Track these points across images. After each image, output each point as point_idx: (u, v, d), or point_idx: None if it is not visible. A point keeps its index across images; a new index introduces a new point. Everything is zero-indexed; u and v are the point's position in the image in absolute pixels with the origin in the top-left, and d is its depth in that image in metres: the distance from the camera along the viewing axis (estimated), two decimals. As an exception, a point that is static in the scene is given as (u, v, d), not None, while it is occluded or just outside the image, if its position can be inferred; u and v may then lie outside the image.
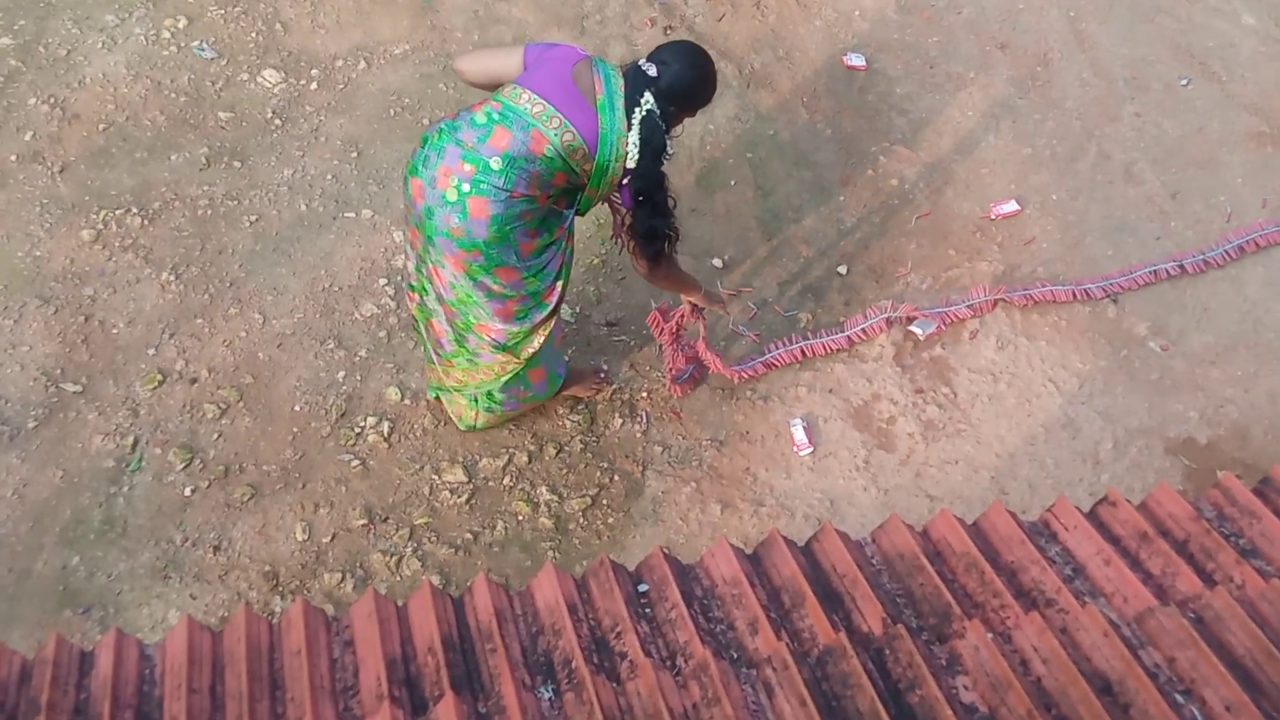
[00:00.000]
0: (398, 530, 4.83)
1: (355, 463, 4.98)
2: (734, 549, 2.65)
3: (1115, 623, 2.36)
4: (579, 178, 4.20)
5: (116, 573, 4.67)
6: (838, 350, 5.47)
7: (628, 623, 2.48)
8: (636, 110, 4.13)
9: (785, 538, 2.69)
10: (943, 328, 5.56)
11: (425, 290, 4.57)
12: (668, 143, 4.26)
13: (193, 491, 4.88)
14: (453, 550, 4.80)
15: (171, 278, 5.43)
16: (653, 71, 4.18)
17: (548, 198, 4.21)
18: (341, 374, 5.21)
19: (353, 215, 5.73)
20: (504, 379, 4.70)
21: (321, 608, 2.61)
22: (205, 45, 6.33)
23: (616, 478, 5.05)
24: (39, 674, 2.42)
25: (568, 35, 6.58)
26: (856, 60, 6.66)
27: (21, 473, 4.87)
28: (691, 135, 6.23)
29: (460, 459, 5.03)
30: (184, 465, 4.92)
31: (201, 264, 5.50)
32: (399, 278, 5.56)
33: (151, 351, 5.21)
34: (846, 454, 5.18)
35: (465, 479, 4.97)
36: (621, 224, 4.49)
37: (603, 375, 5.30)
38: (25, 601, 4.58)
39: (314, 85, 6.24)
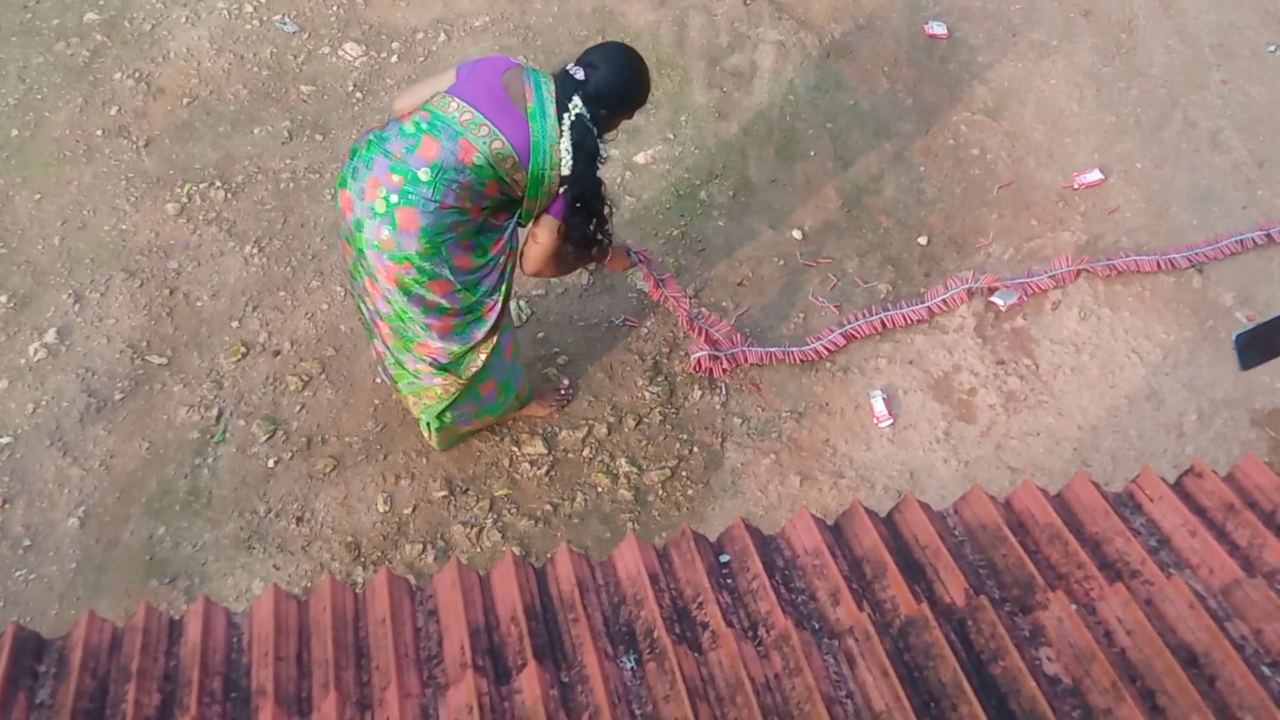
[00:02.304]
0: (478, 502, 4.85)
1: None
2: (815, 519, 2.64)
3: (1201, 594, 2.34)
4: (512, 188, 4.12)
5: (201, 543, 4.73)
6: (918, 321, 5.44)
7: (709, 593, 2.48)
8: (566, 115, 4.05)
9: (866, 508, 2.68)
10: (1024, 299, 5.51)
11: (361, 309, 4.54)
12: (600, 146, 4.18)
13: (276, 463, 4.92)
14: (532, 522, 4.82)
15: (255, 251, 5.48)
16: (580, 75, 4.11)
17: (481, 210, 4.14)
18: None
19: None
20: (451, 399, 4.63)
21: (405, 577, 2.63)
22: (287, 19, 6.37)
23: (696, 449, 5.05)
24: (129, 641, 2.45)
25: (646, 6, 6.57)
26: (938, 28, 6.60)
27: (108, 444, 4.94)
28: (771, 106, 6.21)
29: (540, 431, 5.05)
30: (267, 437, 4.97)
31: (284, 237, 5.54)
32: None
33: (235, 324, 5.26)
34: (927, 426, 5.15)
35: (545, 451, 4.99)
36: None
37: (563, 392, 5.21)
38: (113, 571, 4.64)
39: (394, 58, 6.26)
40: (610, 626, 2.48)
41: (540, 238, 4.29)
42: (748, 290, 5.53)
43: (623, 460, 4.99)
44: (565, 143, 4.05)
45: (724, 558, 2.63)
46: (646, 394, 5.17)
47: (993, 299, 5.49)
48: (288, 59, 6.23)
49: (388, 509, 4.83)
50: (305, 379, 5.15)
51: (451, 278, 4.19)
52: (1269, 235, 5.80)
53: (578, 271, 4.70)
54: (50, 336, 5.19)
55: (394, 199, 4.03)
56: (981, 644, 2.31)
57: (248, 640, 2.50)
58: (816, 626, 2.43)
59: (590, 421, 5.08)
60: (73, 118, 5.94)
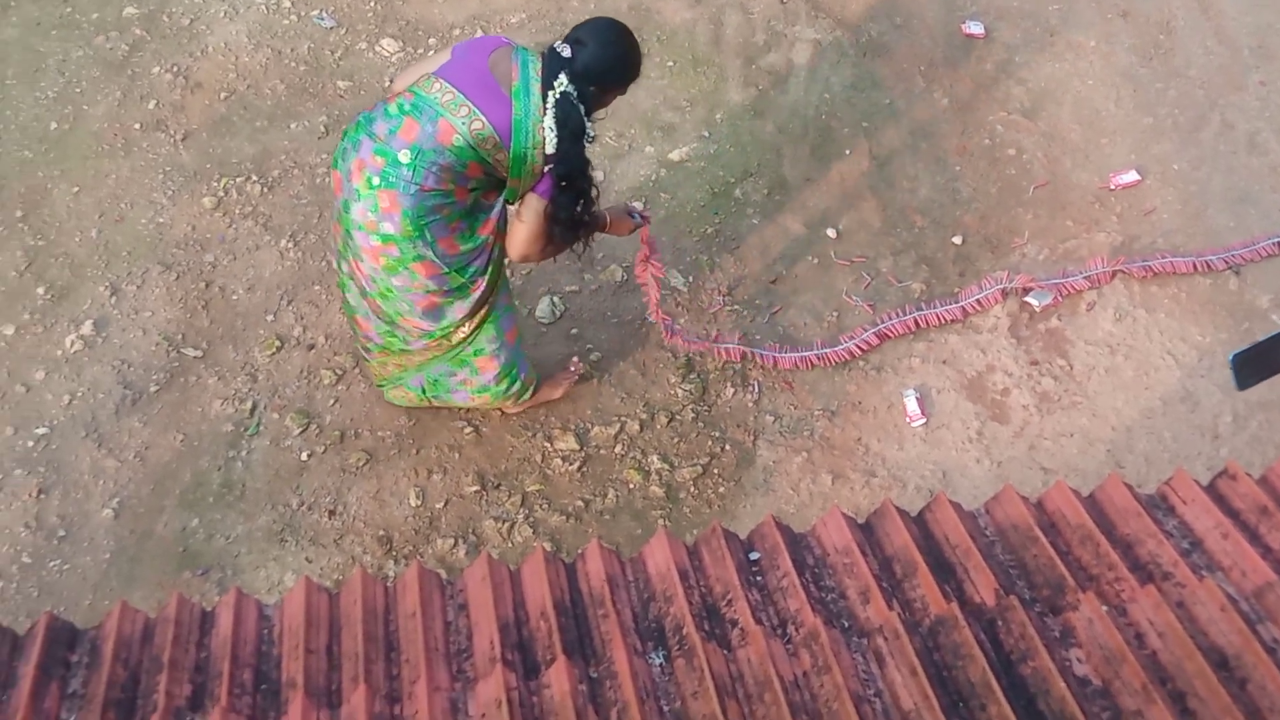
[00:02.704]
0: (509, 497, 4.86)
1: (468, 429, 5.02)
2: (846, 518, 2.64)
3: (1233, 597, 2.33)
4: (496, 169, 4.10)
5: (234, 535, 4.75)
6: (951, 321, 5.42)
7: (739, 590, 2.49)
8: (551, 93, 4.01)
9: (898, 507, 2.68)
10: (1059, 299, 5.50)
11: (348, 287, 4.54)
12: (588, 125, 4.14)
13: (309, 456, 4.94)
14: (564, 518, 4.83)
15: (290, 245, 5.51)
16: (567, 53, 4.07)
17: (468, 191, 4.14)
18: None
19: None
20: (449, 357, 4.64)
21: (436, 571, 2.64)
22: (325, 14, 6.40)
23: (728, 447, 5.05)
24: (161, 632, 2.47)
25: (683, 4, 6.57)
26: (975, 28, 6.59)
27: (143, 436, 4.97)
28: (806, 104, 6.20)
29: (572, 427, 5.05)
30: (301, 430, 4.99)
31: (319, 231, 5.56)
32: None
33: (270, 318, 5.29)
34: (960, 425, 5.14)
35: (577, 447, 4.99)
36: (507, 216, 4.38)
37: (573, 369, 5.18)
38: (146, 562, 4.67)
39: (431, 54, 6.28)
40: (639, 622, 2.49)
41: (525, 217, 4.25)
42: (781, 288, 5.53)
43: (655, 457, 4.99)
44: (549, 120, 4.02)
45: (754, 555, 2.63)
46: (679, 391, 5.17)
47: (1027, 299, 5.47)
48: (325, 54, 6.26)
49: (420, 503, 4.84)
50: (339, 373, 5.17)
51: (436, 260, 4.20)
52: (1306, 238, 5.78)
53: (579, 250, 4.64)
54: (87, 328, 5.22)
55: (376, 181, 4.05)
56: (1011, 644, 2.30)
57: (279, 632, 2.51)
58: (846, 625, 2.43)
59: (623, 418, 5.09)
60: (111, 111, 5.97)
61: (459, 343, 4.58)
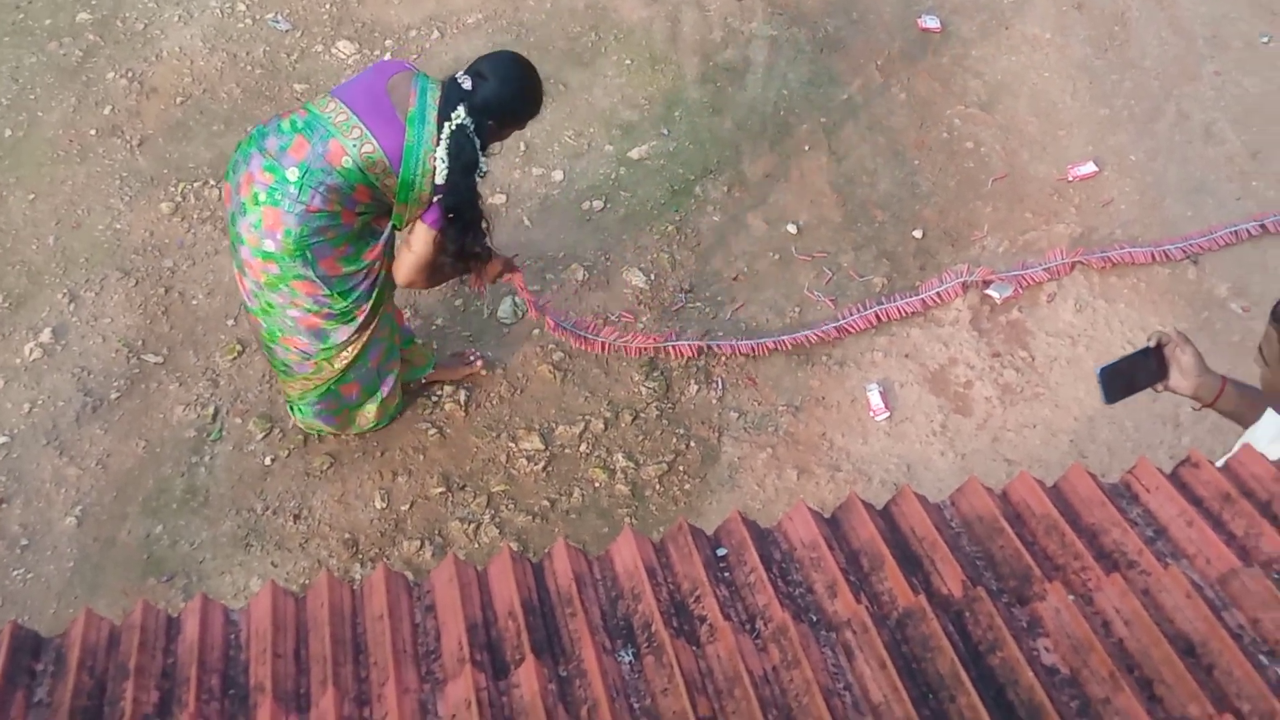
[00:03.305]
0: (475, 498, 4.86)
1: (433, 431, 5.02)
2: (812, 512, 2.64)
3: (1198, 584, 2.34)
4: (384, 194, 4.10)
5: (199, 541, 4.73)
6: (913, 314, 5.44)
7: (707, 586, 2.49)
8: (447, 125, 4.02)
9: (863, 501, 2.68)
10: (1020, 291, 5.52)
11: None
12: (481, 159, 4.16)
13: (273, 461, 4.93)
14: (530, 517, 4.83)
15: (249, 249, 5.49)
16: (468, 85, 4.08)
17: (355, 214, 4.13)
18: (417, 342, 5.23)
19: (427, 185, 5.76)
20: (319, 390, 4.62)
21: (403, 574, 2.64)
22: (280, 17, 6.38)
23: (692, 444, 5.05)
24: (127, 639, 2.46)
25: (639, 2, 6.57)
26: (931, 22, 6.61)
27: (105, 443, 4.94)
28: (765, 100, 6.21)
29: (537, 427, 5.05)
30: (264, 435, 4.97)
31: (279, 235, 5.54)
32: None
33: (230, 322, 5.27)
34: (923, 419, 5.16)
35: (542, 446, 4.99)
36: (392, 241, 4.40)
37: (473, 359, 5.17)
38: (110, 570, 4.65)
39: (388, 55, 6.27)
40: (608, 621, 2.48)
41: (415, 246, 4.26)
42: (743, 285, 5.54)
43: (619, 455, 4.99)
44: (441, 151, 4.01)
45: (721, 551, 2.64)
46: (643, 389, 5.17)
47: (988, 292, 5.50)
48: (281, 57, 6.23)
49: (385, 506, 4.83)
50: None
51: (317, 280, 4.18)
52: (1263, 226, 5.81)
53: (466, 280, 4.69)
54: (46, 336, 5.19)
55: (262, 197, 4.04)
56: (979, 635, 2.31)
57: (246, 637, 2.50)
58: (814, 619, 2.44)
59: (587, 417, 5.09)
60: (66, 117, 5.94)
61: (339, 369, 4.54)
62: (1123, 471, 2.72)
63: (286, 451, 4.95)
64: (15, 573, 4.62)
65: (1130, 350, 3.33)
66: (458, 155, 4.05)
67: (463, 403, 5.09)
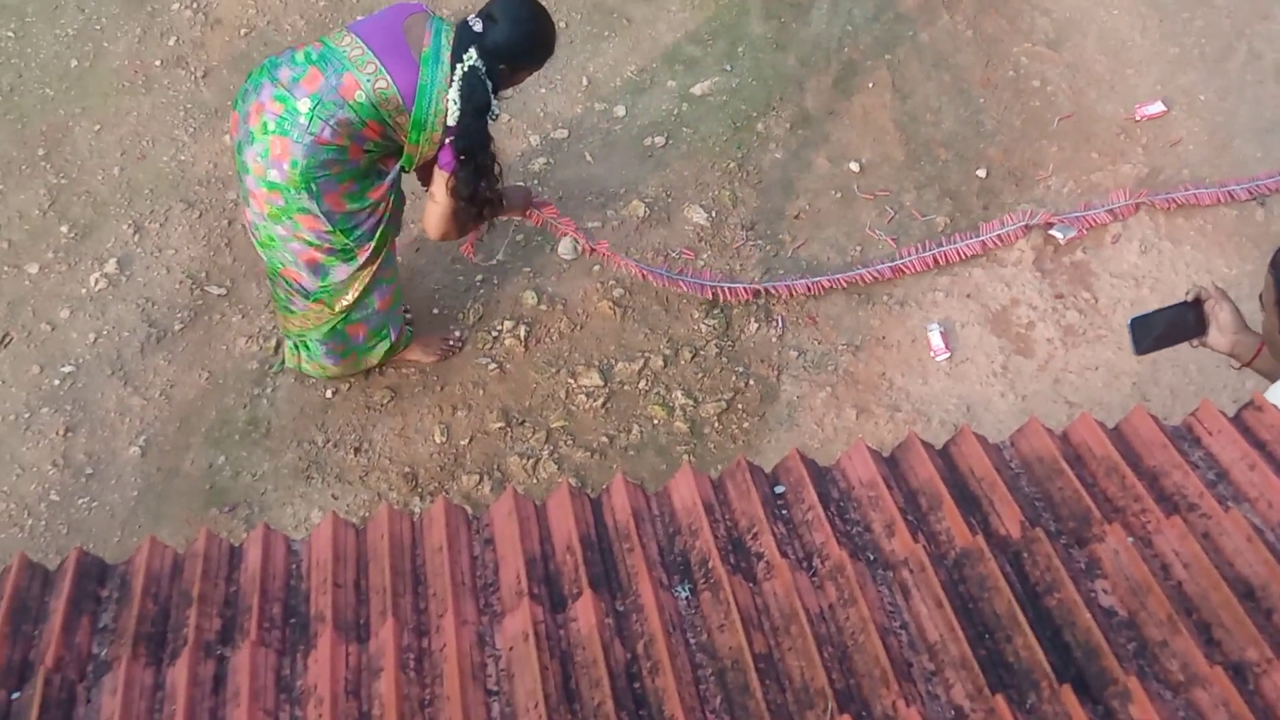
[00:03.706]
0: (534, 433, 4.87)
1: (492, 366, 5.03)
2: (871, 451, 2.64)
3: (1259, 528, 2.32)
4: (396, 132, 4.11)
5: (261, 472, 4.78)
6: (973, 256, 5.39)
7: (764, 524, 2.49)
8: (459, 66, 4.02)
9: (922, 441, 2.67)
10: (1084, 232, 5.46)
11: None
12: (493, 101, 4.16)
13: (333, 393, 4.96)
14: (588, 453, 4.84)
15: (312, 182, 5.50)
16: (478, 27, 4.08)
17: (362, 151, 4.13)
18: (479, 278, 5.25)
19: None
20: (322, 328, 4.62)
21: (462, 506, 2.66)
22: (343, -50, 6.37)
23: (752, 382, 5.04)
24: (190, 568, 2.49)
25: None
26: (998, -41, 6.53)
27: (168, 374, 4.99)
28: (829, 37, 6.16)
29: (596, 363, 5.05)
30: (326, 367, 5.00)
31: (341, 168, 5.56)
32: (535, 181, 5.58)
33: (293, 255, 5.29)
34: (984, 359, 5.13)
35: (601, 383, 4.99)
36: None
37: (451, 342, 5.14)
38: (173, 499, 4.70)
39: None
40: (665, 556, 2.49)
41: (438, 196, 4.28)
42: (804, 223, 5.51)
43: (678, 393, 4.99)
44: (453, 93, 4.03)
45: (779, 489, 2.64)
46: (702, 326, 5.17)
47: (1052, 232, 5.44)
48: (344, -10, 6.23)
49: (444, 440, 4.85)
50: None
51: (321, 216, 4.20)
52: (1334, 168, 5.73)
53: (507, 221, 4.83)
54: (111, 267, 5.24)
55: (271, 125, 4.04)
56: (1037, 576, 2.30)
57: (307, 567, 2.52)
58: (871, 558, 2.44)
59: (646, 354, 5.09)
60: (131, 48, 5.96)
61: (340, 311, 4.56)
62: (1185, 414, 2.70)
63: (347, 385, 4.98)
64: (80, 501, 4.69)
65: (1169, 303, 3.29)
66: (469, 97, 4.06)
67: (522, 338, 5.10)
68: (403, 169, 4.34)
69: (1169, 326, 3.13)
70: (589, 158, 5.73)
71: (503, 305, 5.20)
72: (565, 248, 5.33)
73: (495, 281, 5.25)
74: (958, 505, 2.48)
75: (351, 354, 4.80)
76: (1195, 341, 3.17)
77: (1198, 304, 3.09)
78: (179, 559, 2.53)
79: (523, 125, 5.79)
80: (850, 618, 2.27)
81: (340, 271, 4.42)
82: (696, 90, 5.95)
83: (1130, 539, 2.33)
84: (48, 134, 5.68)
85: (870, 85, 6.01)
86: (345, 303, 4.52)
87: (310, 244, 4.29)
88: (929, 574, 2.30)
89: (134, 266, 5.27)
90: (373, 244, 4.40)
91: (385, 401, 4.94)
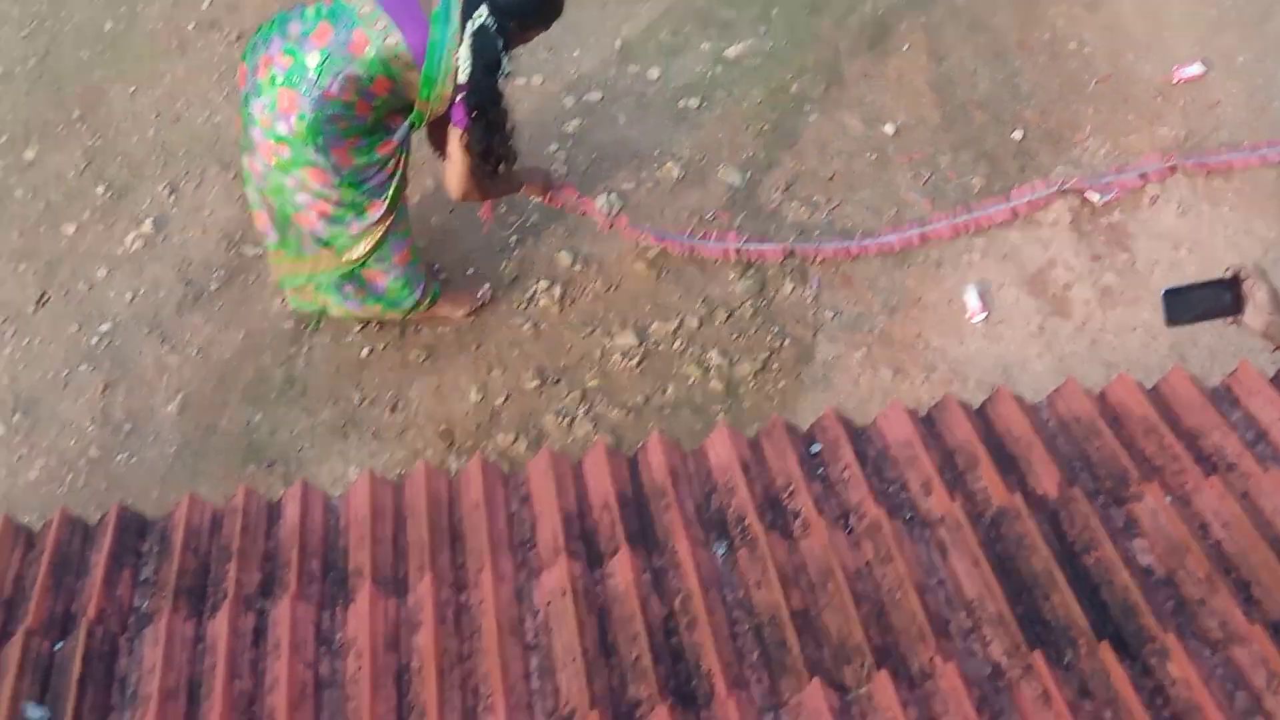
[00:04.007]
0: (569, 392, 4.88)
1: (527, 326, 5.04)
2: (907, 411, 2.64)
3: (1299, 488, 2.32)
4: (405, 88, 4.11)
5: (298, 430, 4.80)
6: (1003, 222, 5.37)
7: (801, 482, 2.50)
8: (469, 23, 4.01)
9: (959, 400, 2.67)
10: (1121, 193, 5.43)
11: (248, 181, 4.51)
12: (504, 59, 4.14)
13: (369, 352, 4.97)
14: (624, 412, 4.85)
15: (347, 142, 5.51)
16: None
17: (370, 107, 4.13)
18: (513, 239, 5.25)
19: (523, 82, 5.75)
20: (338, 271, 4.62)
21: (499, 464, 2.67)
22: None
23: (787, 342, 5.04)
24: (229, 523, 2.51)
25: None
26: (1036, -81, 6.48)
27: (206, 333, 5.01)
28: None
29: (631, 323, 5.05)
30: (360, 326, 5.01)
31: (376, 129, 5.56)
32: (569, 143, 5.58)
33: (328, 216, 5.30)
34: (1021, 321, 5.11)
35: (636, 342, 5.00)
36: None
37: (480, 295, 5.12)
38: (211, 456, 4.73)
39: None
40: (702, 514, 2.50)
41: (454, 155, 4.29)
42: (838, 184, 5.49)
43: (714, 352, 4.98)
44: (463, 50, 4.02)
45: (815, 448, 2.64)
46: (738, 286, 5.16)
47: (1088, 194, 5.41)
48: (380, -50, 6.22)
49: (480, 398, 4.86)
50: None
51: (328, 170, 4.20)
52: (1374, 130, 5.67)
53: (519, 194, 4.91)
54: (147, 227, 5.26)
55: (279, 79, 4.05)
56: (1074, 535, 2.31)
57: (345, 523, 2.54)
58: (908, 516, 2.44)
59: (681, 314, 5.08)
60: (165, 11, 5.98)
61: (347, 261, 4.57)
62: (1224, 375, 2.69)
63: (384, 343, 4.99)
64: (119, 457, 4.72)
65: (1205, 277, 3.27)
66: (480, 54, 4.05)
67: (557, 298, 5.10)
68: (412, 125, 4.35)
69: (1204, 302, 3.11)
70: (623, 120, 5.72)
71: (537, 265, 5.20)
72: (600, 207, 5.32)
73: (530, 242, 5.26)
74: (995, 464, 2.49)
75: (373, 300, 4.80)
76: (1230, 320, 3.15)
77: (1235, 281, 3.07)
78: (218, 514, 2.56)
79: (557, 88, 5.78)
80: (887, 575, 2.28)
81: (352, 225, 4.44)
82: (731, 53, 5.93)
83: (1168, 498, 2.33)
84: (83, 96, 5.71)
85: (905, 48, 5.98)
86: (354, 255, 4.54)
87: (319, 195, 4.30)
88: (966, 532, 2.31)
89: (170, 227, 5.29)
90: (385, 201, 4.42)
91: (421, 360, 4.95)
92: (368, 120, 4.17)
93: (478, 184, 4.41)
